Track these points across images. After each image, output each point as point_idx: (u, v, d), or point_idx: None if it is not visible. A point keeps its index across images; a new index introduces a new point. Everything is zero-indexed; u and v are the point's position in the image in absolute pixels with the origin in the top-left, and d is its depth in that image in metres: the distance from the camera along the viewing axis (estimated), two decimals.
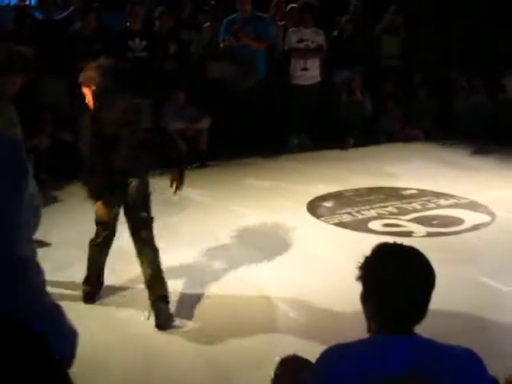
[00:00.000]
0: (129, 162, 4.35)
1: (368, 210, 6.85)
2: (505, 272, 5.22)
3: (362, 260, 2.21)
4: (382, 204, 7.03)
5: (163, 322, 4.32)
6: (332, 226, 6.41)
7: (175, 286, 4.97)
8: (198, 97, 8.99)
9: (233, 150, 9.00)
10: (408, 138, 10.36)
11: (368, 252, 2.22)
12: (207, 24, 9.51)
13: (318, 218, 6.64)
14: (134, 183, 4.38)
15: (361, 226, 6.36)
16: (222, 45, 9.00)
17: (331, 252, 5.68)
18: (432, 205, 7.00)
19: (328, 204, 7.09)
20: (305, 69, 9.44)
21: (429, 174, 8.23)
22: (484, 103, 10.42)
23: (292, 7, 9.92)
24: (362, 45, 10.36)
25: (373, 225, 6.38)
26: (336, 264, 5.31)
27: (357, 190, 7.59)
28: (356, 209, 6.88)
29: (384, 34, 10.70)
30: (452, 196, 7.28)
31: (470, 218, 6.56)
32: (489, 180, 7.99)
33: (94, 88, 4.21)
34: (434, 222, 6.43)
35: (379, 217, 6.62)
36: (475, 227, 6.31)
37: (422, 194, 7.39)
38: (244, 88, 9.03)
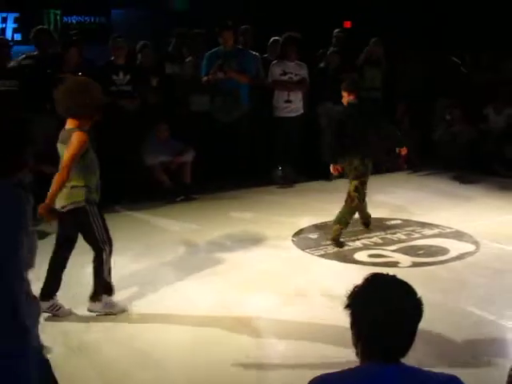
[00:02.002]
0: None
1: (353, 240, 6.85)
2: (490, 301, 5.22)
3: (351, 289, 2.22)
4: (366, 234, 7.04)
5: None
6: (318, 257, 6.40)
7: (157, 319, 4.94)
8: (181, 130, 9.00)
9: (218, 182, 9.00)
10: (392, 168, 10.41)
11: (356, 282, 2.23)
12: (190, 58, 9.56)
13: (303, 249, 6.62)
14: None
15: (346, 257, 6.36)
16: (204, 78, 9.03)
17: (317, 283, 5.66)
18: (417, 235, 7.02)
19: (313, 235, 7.08)
20: (288, 101, 9.47)
21: (413, 204, 8.26)
22: (465, 132, 10.51)
23: (275, 40, 9.99)
24: (346, 76, 10.43)
25: (358, 256, 6.38)
26: (322, 295, 5.30)
27: None
28: (341, 240, 6.86)
29: (366, 65, 10.82)
30: (436, 225, 7.30)
31: (455, 247, 6.58)
32: (472, 209, 8.03)
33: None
34: (419, 252, 6.43)
35: (364, 247, 6.62)
36: (460, 256, 6.32)
37: (406, 223, 7.41)
38: (229, 121, 9.07)
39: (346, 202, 6.83)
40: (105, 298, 4.99)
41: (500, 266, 6.06)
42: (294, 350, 4.44)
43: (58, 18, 12.04)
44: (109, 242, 4.94)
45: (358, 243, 6.75)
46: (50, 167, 7.68)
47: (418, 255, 6.35)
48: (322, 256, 6.41)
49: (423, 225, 7.35)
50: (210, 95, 9.16)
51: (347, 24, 14.01)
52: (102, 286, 4.97)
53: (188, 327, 4.83)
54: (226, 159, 9.11)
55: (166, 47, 10.05)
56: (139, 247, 6.60)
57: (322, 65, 10.38)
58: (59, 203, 4.76)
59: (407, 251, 6.44)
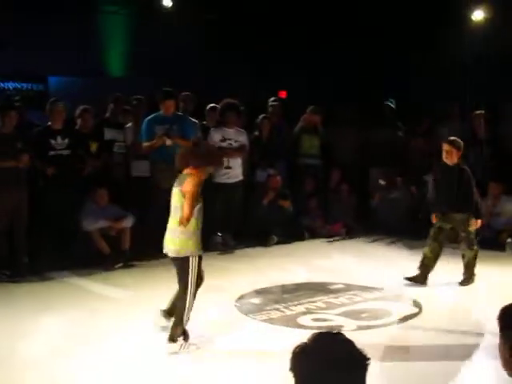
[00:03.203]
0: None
1: (296, 305, 6.79)
2: (436, 361, 5.20)
3: (294, 350, 2.17)
4: (309, 299, 6.98)
5: None
6: (261, 322, 6.31)
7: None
8: (121, 195, 8.91)
9: (157, 249, 8.85)
10: (330, 234, 10.51)
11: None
12: (129, 124, 9.53)
13: (246, 314, 6.53)
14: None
15: (290, 321, 6.28)
16: (146, 144, 8.95)
17: (261, 349, 5.55)
18: (359, 298, 7.02)
19: (256, 301, 7.01)
20: (228, 167, 9.49)
21: (353, 268, 8.33)
22: (402, 199, 10.75)
23: (212, 106, 10.06)
24: (283, 144, 10.64)
25: (302, 320, 6.32)
26: (266, 361, 5.19)
27: (283, 286, 7.55)
28: (284, 305, 6.81)
29: (303, 133, 10.99)
30: (378, 289, 7.34)
31: (398, 310, 6.60)
32: (411, 272, 8.10)
33: None
34: (363, 316, 6.42)
35: (308, 312, 6.56)
36: (403, 319, 6.34)
37: (348, 288, 7.41)
38: (169, 187, 8.98)
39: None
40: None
41: (441, 326, 6.10)
42: None
43: None
44: None
45: (301, 308, 6.70)
46: None
47: (362, 318, 6.33)
48: (265, 321, 6.32)
49: (364, 288, 7.37)
50: (151, 161, 9.11)
51: (282, 94, 14.33)
52: None
53: None
54: (166, 225, 9.01)
55: (103, 113, 10.01)
56: (78, 314, 6.40)
57: (256, 133, 10.50)
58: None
59: (351, 315, 6.41)
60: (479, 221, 7.58)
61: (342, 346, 2.15)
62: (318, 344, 2.15)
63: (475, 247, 7.61)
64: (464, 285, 7.54)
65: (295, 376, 2.12)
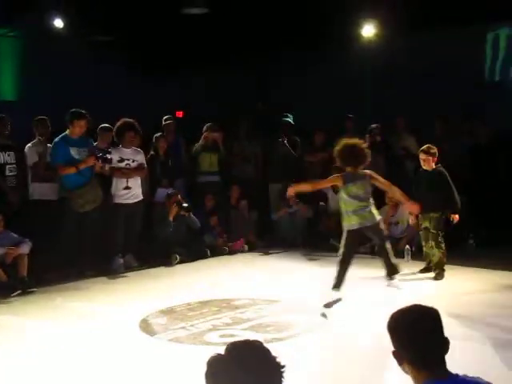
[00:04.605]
0: None
1: (202, 323, 6.75)
2: (335, 376, 5.22)
3: (209, 361, 2.16)
4: (215, 316, 6.96)
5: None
6: (167, 342, 6.23)
7: None
8: (20, 220, 8.64)
9: (58, 273, 8.64)
10: (232, 251, 10.52)
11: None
12: (30, 144, 9.22)
13: (152, 335, 6.44)
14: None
15: (197, 339, 6.24)
16: (65, 166, 8.76)
17: (169, 369, 5.47)
18: (265, 312, 7.05)
19: (161, 321, 6.92)
20: (127, 188, 9.37)
21: (257, 283, 8.40)
22: (302, 212, 10.92)
23: (103, 127, 9.87)
24: (181, 162, 10.62)
25: (209, 337, 6.29)
26: (175, 381, 5.13)
27: (188, 304, 7.50)
28: (190, 323, 6.75)
29: (203, 151, 10.99)
30: (282, 302, 7.40)
31: (303, 321, 6.68)
32: (316, 284, 8.21)
33: None
34: (269, 329, 6.45)
35: (214, 328, 6.53)
36: (309, 329, 6.42)
37: (253, 302, 7.44)
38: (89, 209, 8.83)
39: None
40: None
41: (345, 338, 6.19)
42: None
43: None
44: None
45: (207, 325, 6.66)
46: None
47: (268, 332, 6.35)
48: (172, 340, 6.25)
49: (270, 302, 7.42)
50: (66, 185, 8.86)
51: (179, 114, 14.33)
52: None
53: None
54: (70, 249, 8.83)
55: None
56: None
57: (152, 152, 10.42)
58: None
59: (257, 329, 6.44)
60: (457, 215, 8.32)
61: (258, 354, 2.16)
62: (235, 353, 2.15)
63: (443, 245, 8.29)
64: (437, 279, 8.25)
65: None
